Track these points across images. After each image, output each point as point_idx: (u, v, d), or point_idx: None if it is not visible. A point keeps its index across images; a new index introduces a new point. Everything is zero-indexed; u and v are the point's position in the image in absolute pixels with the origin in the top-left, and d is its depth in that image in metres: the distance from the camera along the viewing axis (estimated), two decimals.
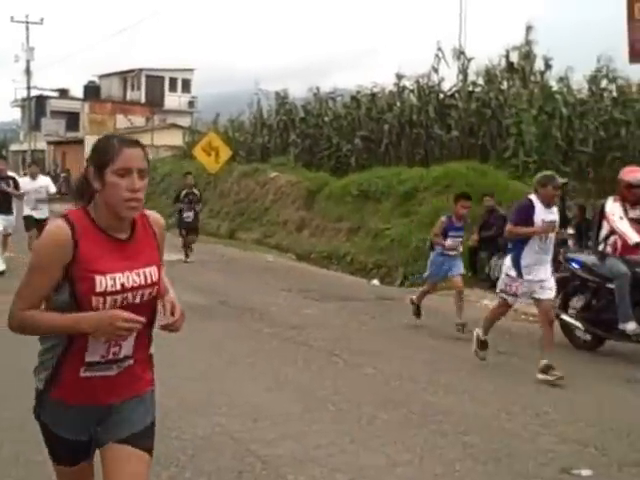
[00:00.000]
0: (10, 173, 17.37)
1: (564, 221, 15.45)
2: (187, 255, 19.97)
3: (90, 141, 46.68)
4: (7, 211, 16.48)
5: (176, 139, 43.91)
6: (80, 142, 50.29)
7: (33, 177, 18.03)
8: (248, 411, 7.22)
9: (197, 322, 11.64)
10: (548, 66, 25.62)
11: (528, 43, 25.45)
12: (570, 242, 15.43)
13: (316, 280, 16.91)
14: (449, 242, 11.67)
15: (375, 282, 16.74)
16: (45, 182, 18.35)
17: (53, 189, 18.51)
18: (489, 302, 13.98)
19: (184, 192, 20.12)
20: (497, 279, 14.84)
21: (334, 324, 11.88)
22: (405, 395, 7.93)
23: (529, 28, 25.41)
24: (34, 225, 16.95)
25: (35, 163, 22.00)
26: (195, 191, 20.33)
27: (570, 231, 15.56)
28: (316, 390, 8.01)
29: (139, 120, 52.56)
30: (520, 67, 25.46)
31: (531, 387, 8.35)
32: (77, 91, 63.38)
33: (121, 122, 50.92)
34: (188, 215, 19.89)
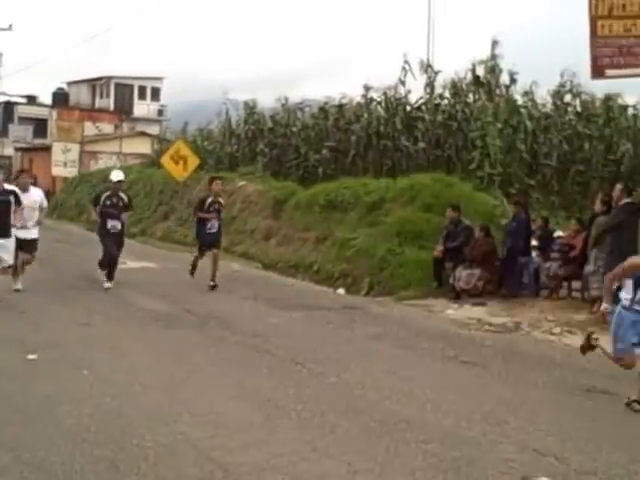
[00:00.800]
0: (8, 186, 14.20)
1: (528, 233, 15.61)
2: (214, 278, 16.24)
3: (57, 148, 46.51)
4: (5, 234, 13.57)
5: (144, 147, 43.74)
6: (47, 149, 49.90)
7: (24, 189, 14.82)
8: (210, 419, 7.20)
9: (161, 330, 11.64)
10: (513, 80, 25.95)
11: (494, 57, 25.73)
12: (534, 253, 15.56)
13: (282, 289, 16.91)
14: None
15: (341, 291, 16.74)
16: (39, 196, 15.67)
17: (46, 204, 16.05)
18: (453, 312, 14.08)
19: (209, 200, 16.60)
20: (462, 289, 15.07)
21: (299, 333, 11.88)
22: (368, 404, 7.93)
23: (495, 43, 25.71)
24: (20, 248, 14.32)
25: (25, 171, 17.65)
26: (221, 200, 17.11)
27: (534, 242, 15.69)
28: (279, 398, 7.99)
29: (107, 128, 52.22)
30: (486, 81, 25.73)
31: (492, 397, 8.39)
32: (46, 98, 62.94)
33: (89, 129, 50.56)
34: (213, 225, 16.44)
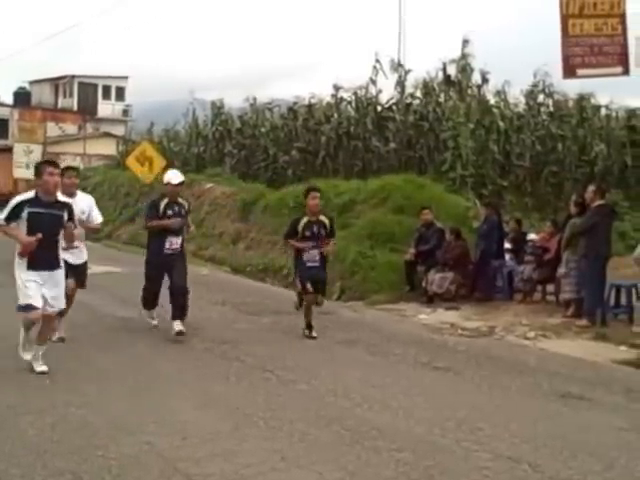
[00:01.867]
0: (61, 196, 9.57)
1: (501, 235, 15.53)
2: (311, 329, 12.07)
3: (19, 149, 46.01)
4: (54, 264, 9.23)
5: (109, 148, 43.41)
6: (9, 150, 49.37)
7: (70, 194, 10.51)
8: (177, 429, 7.04)
9: (126, 336, 11.46)
10: (485, 80, 25.97)
11: (465, 56, 25.72)
12: (507, 256, 15.49)
13: (251, 293, 16.73)
14: None
15: None
16: (88, 203, 11.24)
17: (100, 218, 11.55)
18: (426, 317, 13.97)
19: (303, 221, 12.48)
20: (434, 293, 14.96)
21: (268, 339, 11.71)
22: (339, 411, 7.80)
23: (466, 42, 25.68)
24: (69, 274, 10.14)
25: (71, 168, 11.84)
26: (324, 219, 12.72)
27: (507, 245, 15.63)
28: (247, 407, 7.84)
29: (71, 128, 51.81)
30: (457, 80, 25.71)
31: (466, 403, 8.29)
32: (6, 97, 62.22)
33: (52, 130, 50.09)
34: (312, 256, 12.18)
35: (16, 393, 8.17)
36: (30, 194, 9.09)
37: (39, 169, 9.19)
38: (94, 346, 10.78)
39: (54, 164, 9.42)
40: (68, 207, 9.13)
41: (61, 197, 9.35)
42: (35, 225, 8.75)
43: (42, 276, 8.97)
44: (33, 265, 8.90)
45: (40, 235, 8.63)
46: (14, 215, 8.82)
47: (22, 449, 6.47)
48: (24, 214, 8.78)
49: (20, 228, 8.85)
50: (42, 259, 8.87)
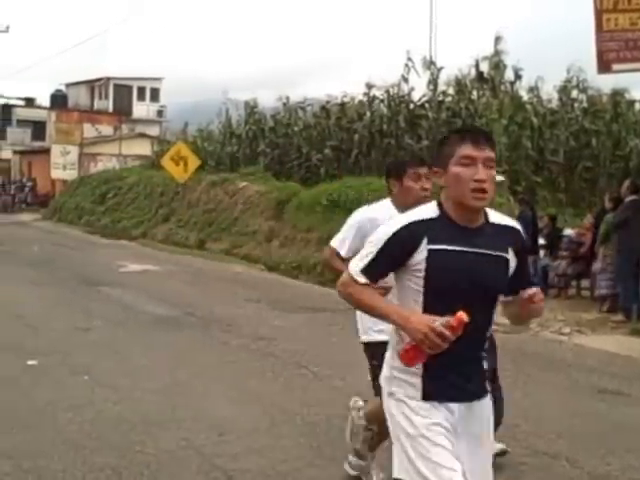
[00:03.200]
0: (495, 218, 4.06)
1: (535, 231, 15.44)
2: None
3: (56, 150, 46.43)
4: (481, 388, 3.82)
5: (144, 148, 43.61)
6: (46, 151, 49.83)
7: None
8: (214, 425, 7.08)
9: (163, 333, 11.52)
10: (518, 76, 25.79)
11: (498, 53, 25.59)
12: (541, 252, 15.40)
13: (285, 291, 16.77)
14: None
15: None
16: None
17: None
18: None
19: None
20: None
21: (303, 335, 11.73)
22: None
23: (498, 38, 25.56)
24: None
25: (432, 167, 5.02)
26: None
27: (541, 241, 15.53)
28: (284, 403, 7.87)
29: (107, 129, 52.15)
30: (490, 77, 25.57)
31: None
32: (44, 100, 62.90)
33: (89, 131, 50.47)
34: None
35: (55, 389, 8.25)
36: (427, 210, 3.56)
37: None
38: (131, 343, 10.86)
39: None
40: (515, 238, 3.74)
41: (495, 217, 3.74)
42: (446, 285, 3.45)
43: (453, 414, 3.55)
44: (436, 388, 3.51)
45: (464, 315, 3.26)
46: (387, 261, 3.52)
47: (62, 445, 6.53)
48: (420, 256, 3.43)
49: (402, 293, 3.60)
50: (456, 373, 3.53)
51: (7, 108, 59.65)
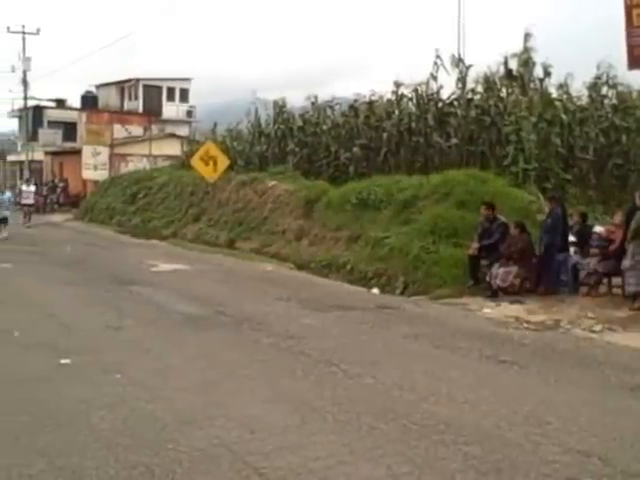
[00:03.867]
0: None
1: (565, 229, 15.35)
2: None
3: (87, 151, 46.77)
4: None
5: (174, 149, 43.79)
6: (77, 152, 50.18)
7: None
8: (245, 423, 7.11)
9: (193, 332, 11.57)
10: (547, 73, 25.55)
11: (527, 50, 25.39)
12: (572, 249, 15.30)
13: (315, 289, 16.80)
14: None
15: (375, 291, 16.59)
16: None
17: None
18: (490, 311, 13.89)
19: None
20: (498, 287, 14.87)
21: (333, 334, 11.74)
22: (405, 405, 7.80)
23: (527, 35, 25.37)
24: None
25: None
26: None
27: (572, 238, 15.42)
28: (314, 401, 7.89)
29: (137, 130, 52.39)
30: (519, 74, 25.39)
31: (533, 396, 8.23)
32: (74, 101, 63.35)
33: (119, 132, 50.75)
34: None
35: (87, 388, 8.32)
36: None
37: None
38: (162, 342, 10.93)
39: None
40: None
41: None
42: None
43: None
44: None
45: None
46: None
47: (95, 443, 6.58)
48: None
49: None
50: None
51: (38, 109, 60.10)
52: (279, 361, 9.82)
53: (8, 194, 31.39)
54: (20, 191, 38.66)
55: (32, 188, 37.45)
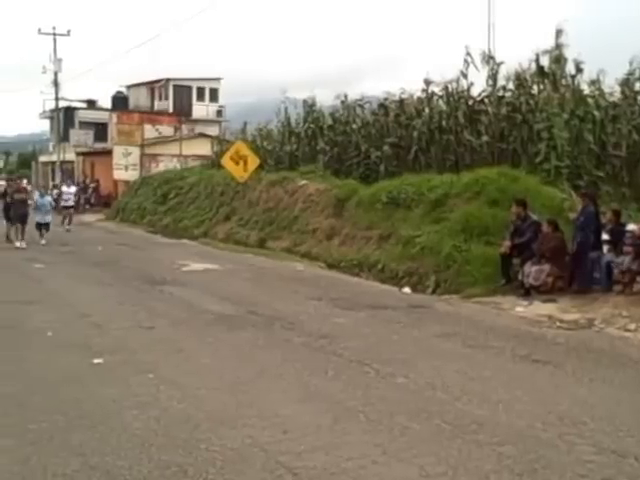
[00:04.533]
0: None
1: (598, 226, 15.21)
2: None
3: (118, 151, 47.02)
4: None
5: (204, 148, 43.91)
6: (108, 153, 50.47)
7: None
8: (278, 422, 7.12)
9: (225, 332, 11.60)
10: (579, 69, 25.28)
11: (558, 47, 25.12)
12: (605, 247, 15.15)
13: (347, 288, 16.77)
14: None
15: (406, 290, 16.54)
16: None
17: None
18: (522, 309, 13.80)
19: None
20: (531, 286, 14.77)
21: (365, 333, 11.71)
22: (438, 405, 7.78)
23: (559, 32, 25.09)
24: None
25: None
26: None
27: (605, 236, 15.27)
28: (347, 400, 7.88)
29: (167, 130, 52.59)
30: (551, 71, 25.14)
31: (567, 396, 8.17)
32: (105, 102, 63.74)
33: (149, 132, 50.97)
34: None
35: (120, 388, 8.37)
36: None
37: None
38: (194, 341, 10.95)
39: None
40: None
41: None
42: None
43: None
44: None
45: None
46: None
47: (128, 442, 6.62)
48: None
49: None
50: None
51: (70, 110, 60.53)
52: (311, 361, 9.80)
53: (49, 198, 29.10)
54: (60, 192, 37.48)
55: (73, 189, 36.48)
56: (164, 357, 9.85)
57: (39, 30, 55.29)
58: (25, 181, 43.09)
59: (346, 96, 31.76)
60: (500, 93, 25.39)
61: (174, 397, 7.96)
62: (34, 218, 26.38)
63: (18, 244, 24.96)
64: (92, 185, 53.05)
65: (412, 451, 6.41)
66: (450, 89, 26.63)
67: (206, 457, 6.27)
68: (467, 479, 5.88)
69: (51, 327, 11.60)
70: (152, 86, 62.38)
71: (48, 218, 26.82)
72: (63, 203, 34.45)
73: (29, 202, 27.60)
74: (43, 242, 25.99)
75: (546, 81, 24.92)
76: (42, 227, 26.51)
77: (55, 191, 42.71)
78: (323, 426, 7.06)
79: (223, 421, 7.19)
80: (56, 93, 56.59)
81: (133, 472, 5.98)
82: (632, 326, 12.03)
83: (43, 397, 8.03)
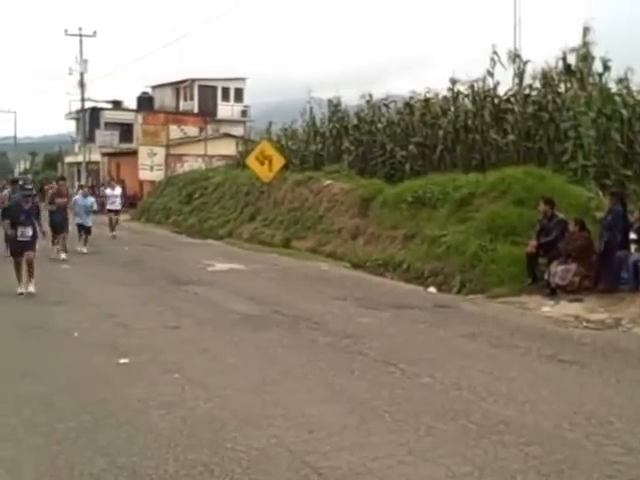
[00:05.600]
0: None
1: (626, 226, 15.08)
2: None
3: (143, 152, 47.19)
4: None
5: (229, 148, 44.02)
6: (134, 153, 50.69)
7: None
8: (303, 422, 7.12)
9: (250, 332, 11.61)
10: (607, 67, 25.05)
11: (586, 45, 24.91)
12: (632, 247, 15.02)
13: (371, 288, 16.74)
14: None
15: (432, 290, 16.50)
16: None
17: None
18: (549, 309, 13.72)
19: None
20: (557, 286, 14.67)
21: (390, 333, 11.69)
22: (464, 405, 7.75)
23: (586, 29, 24.90)
24: None
25: None
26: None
27: (632, 235, 15.13)
28: (372, 400, 7.87)
29: (192, 130, 52.78)
30: (578, 69, 24.95)
31: (594, 396, 8.12)
32: (130, 102, 64.06)
33: (174, 132, 51.16)
34: None
35: (146, 387, 8.40)
36: None
37: None
38: (219, 341, 10.98)
39: None
40: None
41: None
42: None
43: None
44: None
45: None
46: None
47: (154, 442, 6.64)
48: None
49: None
50: None
51: (95, 111, 60.85)
52: (336, 361, 9.79)
53: (92, 198, 25.79)
54: (105, 195, 33.73)
55: (118, 191, 32.77)
56: (190, 357, 9.88)
57: (66, 31, 55.60)
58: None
59: (371, 95, 31.71)
60: (526, 92, 25.22)
61: (200, 397, 7.99)
62: (74, 220, 23.98)
63: (63, 255, 21.59)
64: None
65: (438, 451, 6.39)
66: (476, 88, 26.49)
67: (232, 457, 6.28)
68: (493, 479, 5.86)
69: (78, 327, 11.67)
70: (177, 86, 62.63)
71: (89, 221, 24.23)
72: (109, 206, 31.38)
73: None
74: (84, 250, 23.62)
75: (573, 79, 24.72)
76: (83, 230, 24.02)
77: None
78: (349, 426, 7.05)
79: (249, 421, 7.19)
80: (82, 94, 56.91)
81: (159, 472, 6.00)
82: None
83: (70, 397, 8.07)
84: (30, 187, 18.51)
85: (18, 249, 15.18)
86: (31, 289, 15.04)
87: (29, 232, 15.19)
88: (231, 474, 5.94)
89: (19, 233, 15.10)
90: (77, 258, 21.94)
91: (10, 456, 6.41)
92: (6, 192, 25.36)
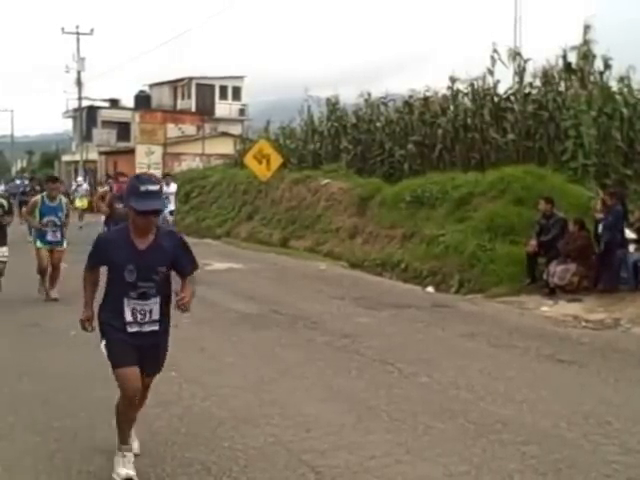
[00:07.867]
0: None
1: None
2: None
3: (140, 150, 47.14)
4: None
5: (227, 147, 44.01)
6: (131, 152, 50.61)
7: None
8: (301, 421, 7.12)
9: (248, 331, 11.60)
10: (607, 66, 25.00)
11: (586, 43, 24.86)
12: (632, 247, 15.01)
13: (369, 288, 16.74)
14: None
15: (430, 289, 16.50)
16: None
17: None
18: (547, 309, 13.72)
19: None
20: (556, 285, 14.66)
21: (388, 332, 11.69)
22: (462, 404, 7.75)
23: (587, 27, 24.85)
24: None
25: None
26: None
27: (632, 235, 15.11)
28: (370, 400, 7.87)
29: (190, 129, 52.72)
30: (578, 67, 24.91)
31: (592, 396, 8.11)
32: (128, 101, 63.98)
33: (172, 131, 51.11)
34: None
35: None
36: None
37: None
38: (217, 340, 10.98)
39: None
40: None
41: None
42: None
43: None
44: None
45: None
46: None
47: (151, 440, 6.63)
48: None
49: None
50: None
51: (92, 110, 60.78)
52: (334, 360, 9.79)
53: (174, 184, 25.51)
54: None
55: (173, 187, 29.11)
56: (187, 355, 9.84)
57: (62, 30, 55.45)
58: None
59: (370, 94, 31.68)
60: (526, 90, 25.16)
61: (197, 395, 7.99)
62: None
63: None
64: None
65: (436, 450, 6.39)
66: (476, 86, 26.44)
67: (229, 455, 6.28)
68: (491, 478, 5.85)
69: (74, 326, 11.61)
70: (175, 85, 62.55)
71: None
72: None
73: None
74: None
75: (573, 78, 24.68)
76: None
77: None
78: (346, 425, 7.05)
79: (246, 419, 7.19)
80: (79, 92, 56.83)
81: (156, 470, 6.00)
82: None
83: (67, 395, 8.05)
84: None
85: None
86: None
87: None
88: (228, 472, 5.93)
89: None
90: (74, 256, 21.83)
91: (7, 454, 6.39)
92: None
